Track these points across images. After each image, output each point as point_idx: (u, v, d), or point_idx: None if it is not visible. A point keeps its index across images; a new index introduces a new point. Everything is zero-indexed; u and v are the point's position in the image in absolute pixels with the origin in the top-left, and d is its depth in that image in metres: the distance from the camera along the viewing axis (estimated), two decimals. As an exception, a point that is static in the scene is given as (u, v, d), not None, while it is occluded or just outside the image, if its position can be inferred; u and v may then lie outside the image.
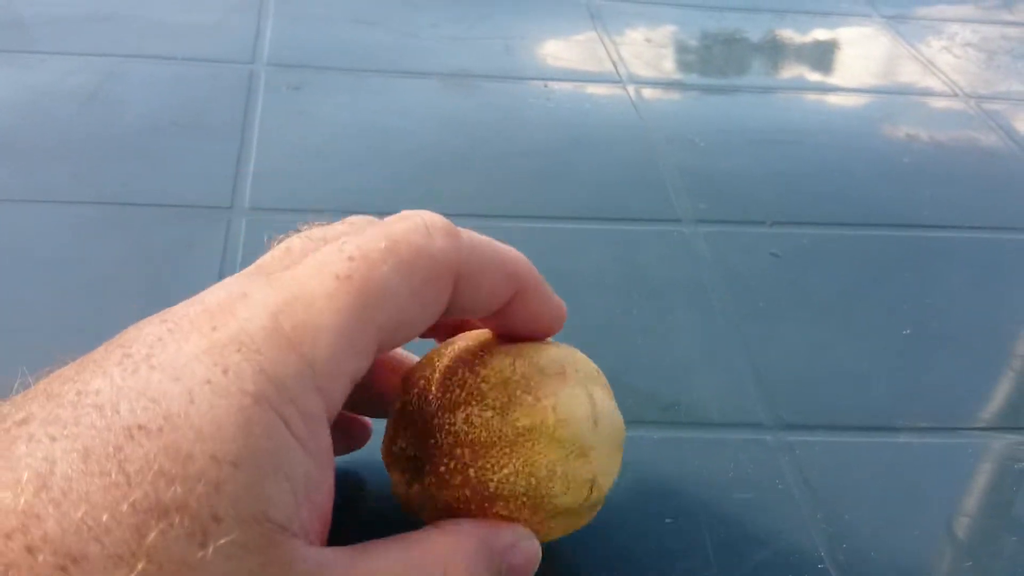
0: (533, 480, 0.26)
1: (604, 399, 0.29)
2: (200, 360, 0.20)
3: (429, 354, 0.29)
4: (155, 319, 0.22)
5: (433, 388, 0.27)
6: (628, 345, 0.41)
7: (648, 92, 0.61)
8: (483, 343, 0.29)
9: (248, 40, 0.61)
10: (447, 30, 0.66)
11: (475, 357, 0.28)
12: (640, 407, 0.38)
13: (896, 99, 0.64)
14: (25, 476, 0.18)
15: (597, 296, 0.43)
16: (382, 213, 0.48)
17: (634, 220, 0.49)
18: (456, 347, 0.29)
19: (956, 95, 0.65)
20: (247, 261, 0.43)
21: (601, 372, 0.30)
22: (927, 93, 0.65)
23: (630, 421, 0.37)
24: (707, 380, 0.40)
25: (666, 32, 0.69)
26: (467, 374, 0.27)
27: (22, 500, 0.18)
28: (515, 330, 0.29)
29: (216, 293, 0.22)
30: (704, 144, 0.56)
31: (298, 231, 0.26)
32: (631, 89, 0.61)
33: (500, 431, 0.26)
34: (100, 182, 0.48)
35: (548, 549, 0.28)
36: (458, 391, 0.27)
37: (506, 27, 0.67)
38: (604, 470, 0.28)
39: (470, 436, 0.26)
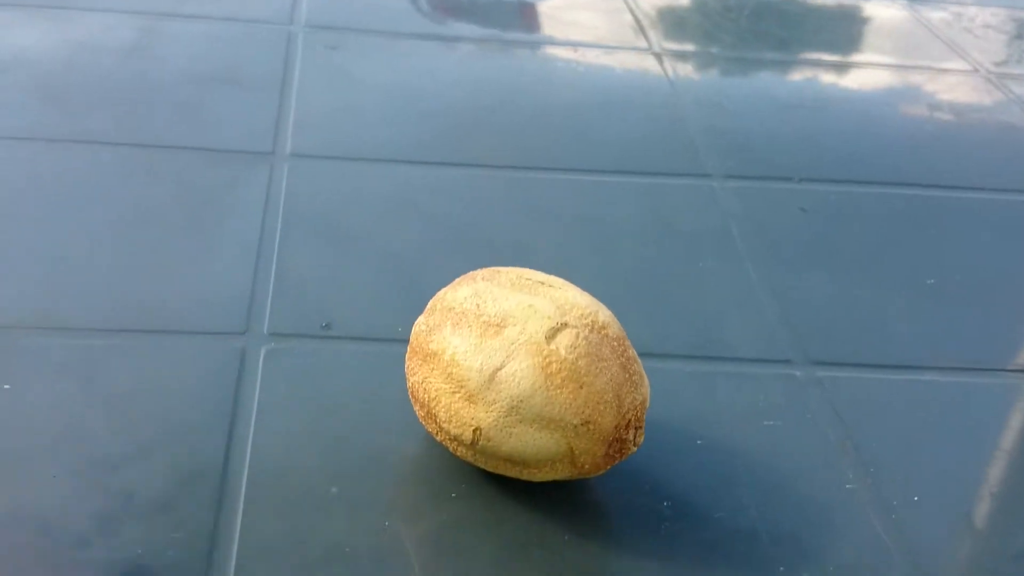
0: (427, 397, 0.31)
1: (530, 370, 0.30)
2: None
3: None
4: None
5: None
6: (660, 288, 0.42)
7: (677, 59, 0.62)
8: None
9: (286, 2, 0.63)
10: None
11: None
12: (671, 342, 0.39)
13: (918, 74, 0.65)
14: None
15: (630, 244, 0.45)
16: (417, 163, 0.49)
17: (664, 175, 0.50)
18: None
19: (977, 71, 0.66)
20: (289, 204, 0.44)
21: (584, 354, 0.30)
22: (949, 69, 0.66)
23: (659, 355, 0.39)
24: (737, 321, 0.41)
25: (695, 2, 0.71)
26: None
27: None
28: None
29: None
30: (732, 107, 0.57)
31: None
32: (660, 56, 0.62)
33: (424, 347, 0.31)
34: (142, 127, 0.49)
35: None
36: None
37: None
38: (495, 426, 0.30)
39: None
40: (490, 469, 0.31)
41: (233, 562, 0.29)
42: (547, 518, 0.31)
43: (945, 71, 0.66)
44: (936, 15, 0.75)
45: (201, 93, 0.52)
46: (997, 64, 0.68)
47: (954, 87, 0.64)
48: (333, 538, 0.30)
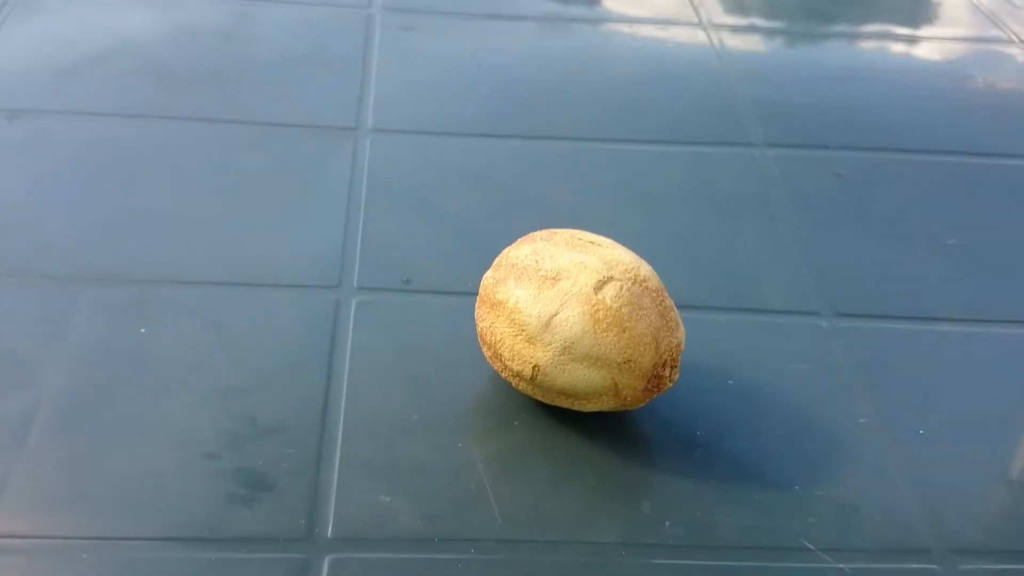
0: (493, 339, 0.37)
1: (581, 316, 0.35)
2: None
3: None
4: None
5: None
6: (700, 247, 0.47)
7: (726, 34, 0.66)
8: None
9: (364, -14, 0.68)
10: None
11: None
12: (709, 295, 0.44)
13: (957, 46, 0.68)
14: None
15: (674, 207, 0.50)
16: (485, 136, 0.54)
17: (710, 143, 0.55)
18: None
19: (1013, 42, 0.69)
20: (372, 173, 0.50)
21: (627, 302, 0.35)
22: (988, 40, 0.69)
23: (698, 307, 0.44)
24: (770, 276, 0.46)
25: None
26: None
27: None
28: None
29: None
30: (777, 79, 0.61)
31: None
32: (710, 31, 0.66)
33: (492, 297, 0.37)
34: (241, 105, 0.55)
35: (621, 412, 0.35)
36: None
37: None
38: (551, 363, 0.35)
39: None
40: (547, 401, 0.37)
41: (336, 473, 0.35)
42: (594, 443, 0.37)
43: (985, 42, 0.69)
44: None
45: (291, 72, 0.58)
46: (1039, 32, 0.70)
47: (991, 58, 0.67)
48: (416, 456, 0.36)
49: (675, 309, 0.37)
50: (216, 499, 0.33)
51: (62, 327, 0.40)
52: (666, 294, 0.36)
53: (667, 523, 0.34)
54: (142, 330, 0.40)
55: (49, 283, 0.42)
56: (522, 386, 0.37)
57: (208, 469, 0.34)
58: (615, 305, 0.34)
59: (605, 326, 0.34)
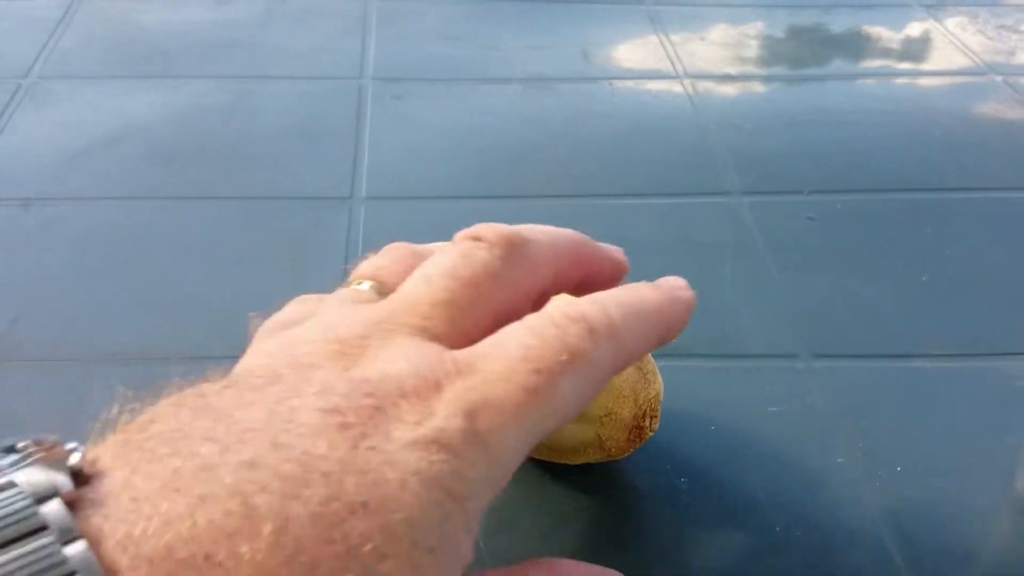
0: None
1: None
2: (410, 451, 0.21)
3: None
4: (360, 389, 0.22)
5: None
6: (683, 296, 0.49)
7: (701, 85, 0.69)
8: None
9: (355, 59, 0.71)
10: (525, 41, 0.75)
11: None
12: (691, 343, 0.46)
13: (929, 80, 0.71)
14: (266, 529, 0.19)
15: (654, 257, 0.52)
16: (473, 197, 0.57)
17: (687, 195, 0.57)
18: None
19: (986, 74, 0.71)
20: (367, 240, 0.53)
21: None
22: (960, 72, 0.71)
23: (680, 355, 0.46)
24: (748, 321, 0.48)
25: (719, 31, 0.77)
26: None
27: (260, 551, 0.19)
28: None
29: (404, 369, 0.23)
30: (750, 127, 0.64)
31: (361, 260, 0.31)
32: (686, 83, 0.69)
33: None
34: (241, 180, 0.58)
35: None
36: None
37: (575, 36, 0.76)
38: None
39: None
40: (535, 456, 0.39)
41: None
42: (582, 496, 0.39)
43: (957, 75, 0.71)
44: (952, 18, 0.80)
45: (289, 146, 0.61)
46: (1007, 66, 0.73)
47: (964, 91, 0.69)
48: (413, 516, 0.38)
49: (652, 361, 0.39)
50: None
51: (80, 406, 0.42)
52: None
53: (654, 571, 0.36)
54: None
55: (65, 365, 0.45)
56: None
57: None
58: None
59: None
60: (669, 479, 0.40)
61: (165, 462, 0.20)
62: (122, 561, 0.18)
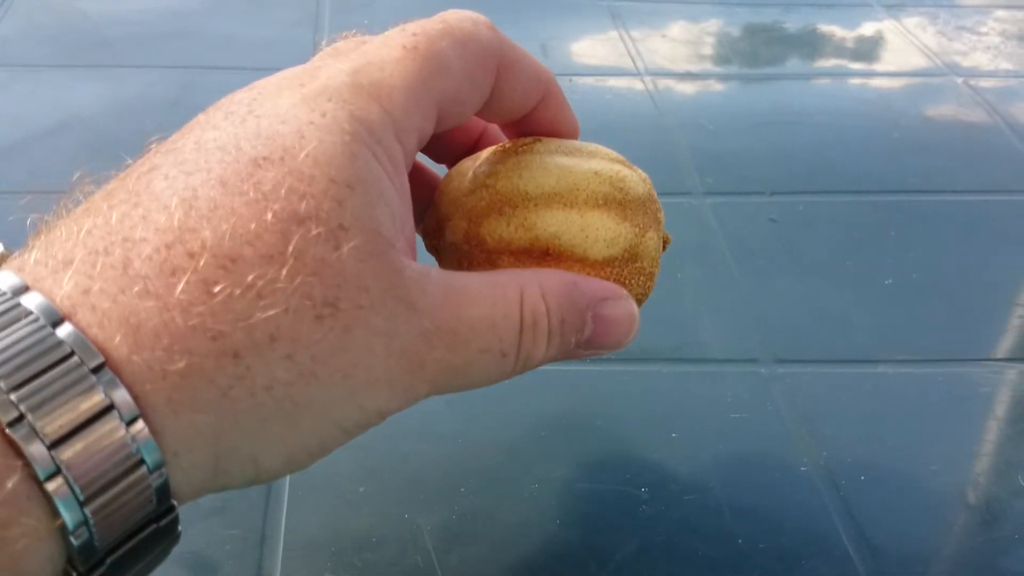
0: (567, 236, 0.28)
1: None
2: (299, 107, 0.22)
3: (456, 166, 0.32)
4: (241, 90, 0.24)
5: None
6: (643, 298, 0.48)
7: (663, 82, 0.68)
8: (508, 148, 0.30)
9: (307, 50, 0.69)
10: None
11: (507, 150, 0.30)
12: (653, 348, 0.45)
13: (890, 81, 0.70)
14: (173, 202, 0.21)
15: (617, 259, 0.50)
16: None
17: (649, 194, 0.56)
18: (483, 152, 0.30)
19: (946, 74, 0.71)
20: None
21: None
22: (920, 73, 0.71)
23: (642, 359, 0.44)
24: (711, 325, 0.47)
25: (680, 28, 0.76)
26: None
27: (176, 218, 0.20)
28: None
29: (292, 69, 0.25)
30: (713, 127, 0.62)
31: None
32: (648, 80, 0.68)
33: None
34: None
35: (561, 452, 0.35)
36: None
37: (534, 30, 0.74)
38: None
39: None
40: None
41: (280, 552, 0.35)
42: (541, 507, 0.38)
43: (917, 76, 0.71)
44: (913, 19, 0.79)
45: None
46: (966, 67, 0.72)
47: (924, 93, 0.69)
48: (362, 529, 0.36)
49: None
50: (161, 587, 0.34)
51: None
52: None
53: (612, 584, 0.35)
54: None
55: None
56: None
57: (154, 555, 0.35)
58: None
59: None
60: (630, 488, 0.38)
61: (87, 215, 0.23)
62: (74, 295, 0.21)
